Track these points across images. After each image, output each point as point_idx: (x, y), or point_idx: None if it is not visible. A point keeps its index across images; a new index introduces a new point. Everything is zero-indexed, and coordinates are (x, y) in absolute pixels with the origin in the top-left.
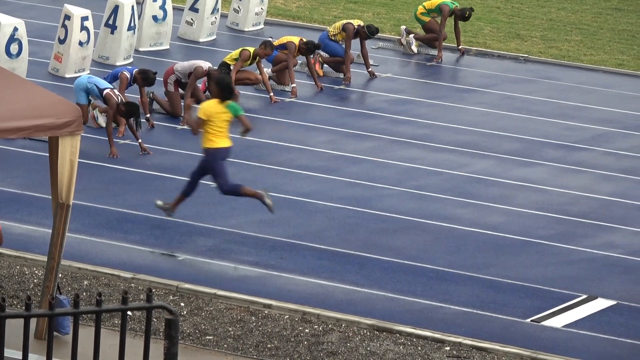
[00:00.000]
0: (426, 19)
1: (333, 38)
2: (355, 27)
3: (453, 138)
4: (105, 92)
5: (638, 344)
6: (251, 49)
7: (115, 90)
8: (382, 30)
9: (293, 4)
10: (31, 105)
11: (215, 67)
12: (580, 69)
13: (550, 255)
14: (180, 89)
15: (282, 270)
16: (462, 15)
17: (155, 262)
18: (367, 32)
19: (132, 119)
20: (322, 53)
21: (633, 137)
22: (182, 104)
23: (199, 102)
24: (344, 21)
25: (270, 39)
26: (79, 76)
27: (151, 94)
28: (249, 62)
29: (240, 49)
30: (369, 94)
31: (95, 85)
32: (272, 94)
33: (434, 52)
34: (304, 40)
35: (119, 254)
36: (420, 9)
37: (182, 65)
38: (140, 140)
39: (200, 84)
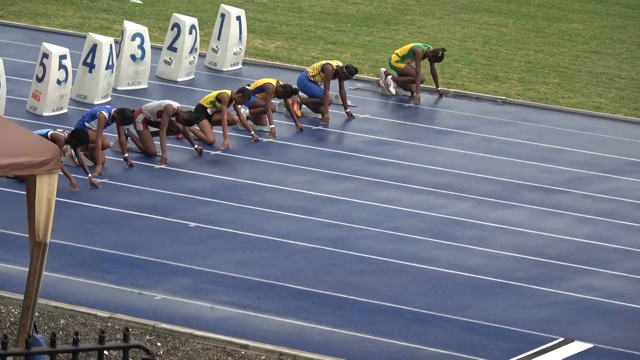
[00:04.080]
0: (401, 65)
1: (312, 79)
2: (334, 67)
3: (431, 179)
4: (49, 134)
5: None
6: (229, 92)
7: (57, 129)
8: (360, 71)
9: (271, 45)
10: (8, 144)
11: (189, 107)
12: (558, 111)
13: (527, 297)
14: (150, 127)
15: (259, 311)
16: (435, 56)
17: (132, 301)
18: (346, 73)
19: (79, 148)
20: (300, 94)
21: (611, 180)
22: (157, 142)
23: (177, 133)
24: (323, 62)
25: (247, 87)
26: (57, 115)
27: (126, 131)
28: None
29: (216, 92)
30: (347, 134)
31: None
32: (253, 132)
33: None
34: (281, 83)
35: (96, 293)
36: (394, 57)
37: (150, 104)
38: (90, 175)
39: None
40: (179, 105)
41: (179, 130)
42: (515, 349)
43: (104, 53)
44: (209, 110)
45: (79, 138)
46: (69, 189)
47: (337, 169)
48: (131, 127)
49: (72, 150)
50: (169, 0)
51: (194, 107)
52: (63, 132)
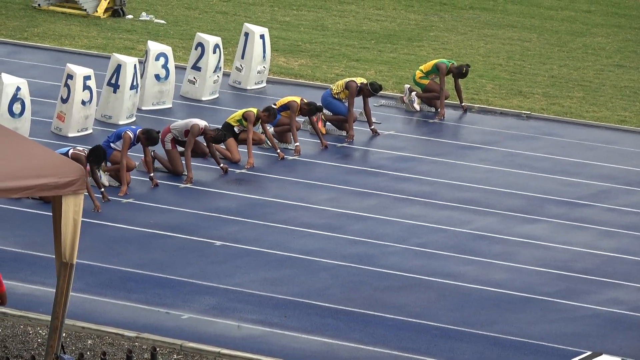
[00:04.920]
0: (425, 82)
1: (336, 96)
2: (358, 84)
3: (456, 195)
4: (70, 152)
5: None
6: (254, 110)
7: (77, 147)
8: (384, 87)
9: (295, 63)
10: (34, 165)
11: (215, 126)
12: (583, 125)
13: (553, 311)
14: (178, 147)
15: (286, 329)
16: (459, 72)
17: (159, 320)
18: (371, 90)
19: (96, 167)
20: (325, 111)
21: (635, 194)
22: (183, 162)
23: (202, 155)
24: (347, 79)
25: (273, 106)
26: (82, 135)
27: (152, 153)
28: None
29: (243, 111)
30: (371, 151)
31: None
32: (279, 150)
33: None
34: (305, 101)
35: (123, 313)
36: (418, 73)
37: (178, 123)
38: (103, 190)
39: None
40: (206, 124)
41: (205, 153)
42: None
43: (128, 73)
44: (235, 129)
45: (97, 155)
46: (93, 211)
47: (362, 185)
48: (157, 147)
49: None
50: (193, 19)
51: (222, 125)
52: (83, 150)
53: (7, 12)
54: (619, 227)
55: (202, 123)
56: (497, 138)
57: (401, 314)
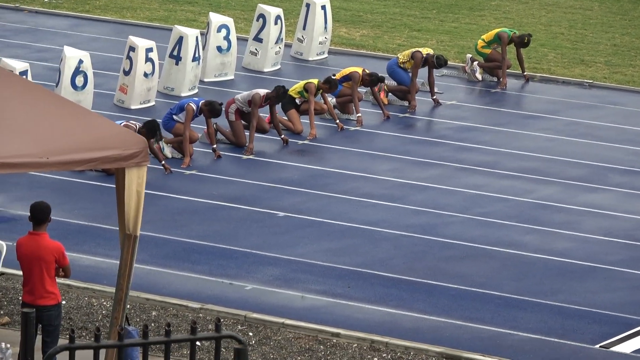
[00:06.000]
0: (487, 51)
1: (402, 65)
2: (424, 55)
3: (518, 164)
4: (122, 125)
5: None
6: (315, 81)
7: (130, 120)
8: (445, 57)
9: (357, 33)
10: (97, 137)
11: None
12: None
13: (618, 280)
14: (242, 119)
15: (349, 299)
16: (521, 41)
17: (222, 292)
18: (435, 63)
19: (153, 139)
20: (387, 81)
21: None
22: (247, 133)
23: (263, 131)
24: (414, 49)
25: (333, 77)
26: (144, 107)
27: (214, 125)
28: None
29: (304, 82)
30: (434, 121)
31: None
32: (338, 121)
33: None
34: (367, 71)
35: (187, 285)
36: (480, 42)
37: (242, 95)
38: (164, 162)
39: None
40: (268, 92)
41: (265, 129)
42: (606, 332)
43: (190, 45)
44: (297, 100)
45: (150, 129)
46: (165, 173)
47: (424, 155)
48: (220, 119)
49: (163, 144)
50: None
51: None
52: (135, 123)
53: None
54: None
55: (263, 92)
56: (559, 107)
57: (464, 284)
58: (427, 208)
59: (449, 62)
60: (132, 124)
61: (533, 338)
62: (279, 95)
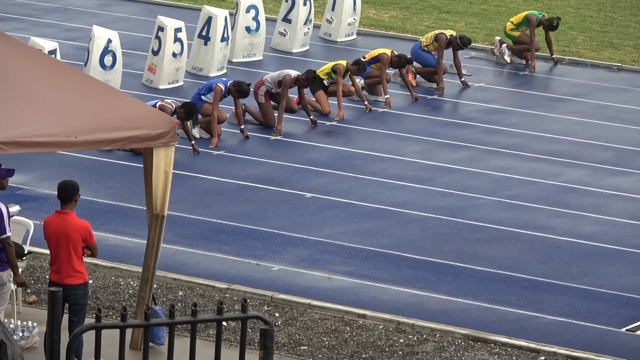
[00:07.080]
0: (516, 33)
1: (425, 48)
2: (448, 37)
3: (546, 147)
4: (157, 104)
5: None
6: (344, 62)
7: (166, 99)
8: (474, 40)
9: (385, 14)
10: (125, 117)
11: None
12: None
13: None
14: (271, 100)
15: (376, 280)
16: (550, 24)
17: (249, 272)
18: (460, 43)
19: (189, 121)
20: (415, 63)
21: None
22: (275, 114)
23: (292, 111)
24: (437, 31)
25: (362, 58)
26: (173, 87)
27: (243, 106)
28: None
29: (332, 63)
30: (461, 103)
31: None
32: (366, 102)
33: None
34: (396, 53)
35: (214, 265)
36: (509, 25)
37: (271, 75)
38: (193, 142)
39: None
40: (298, 73)
41: (294, 110)
42: (633, 316)
43: (219, 25)
44: (325, 82)
45: (188, 111)
46: (192, 154)
47: (452, 137)
48: (248, 100)
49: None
50: None
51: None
52: (171, 103)
53: None
54: None
55: (294, 73)
56: (588, 90)
57: (491, 266)
58: (454, 190)
59: (478, 44)
60: (168, 103)
61: (559, 321)
62: (309, 79)
